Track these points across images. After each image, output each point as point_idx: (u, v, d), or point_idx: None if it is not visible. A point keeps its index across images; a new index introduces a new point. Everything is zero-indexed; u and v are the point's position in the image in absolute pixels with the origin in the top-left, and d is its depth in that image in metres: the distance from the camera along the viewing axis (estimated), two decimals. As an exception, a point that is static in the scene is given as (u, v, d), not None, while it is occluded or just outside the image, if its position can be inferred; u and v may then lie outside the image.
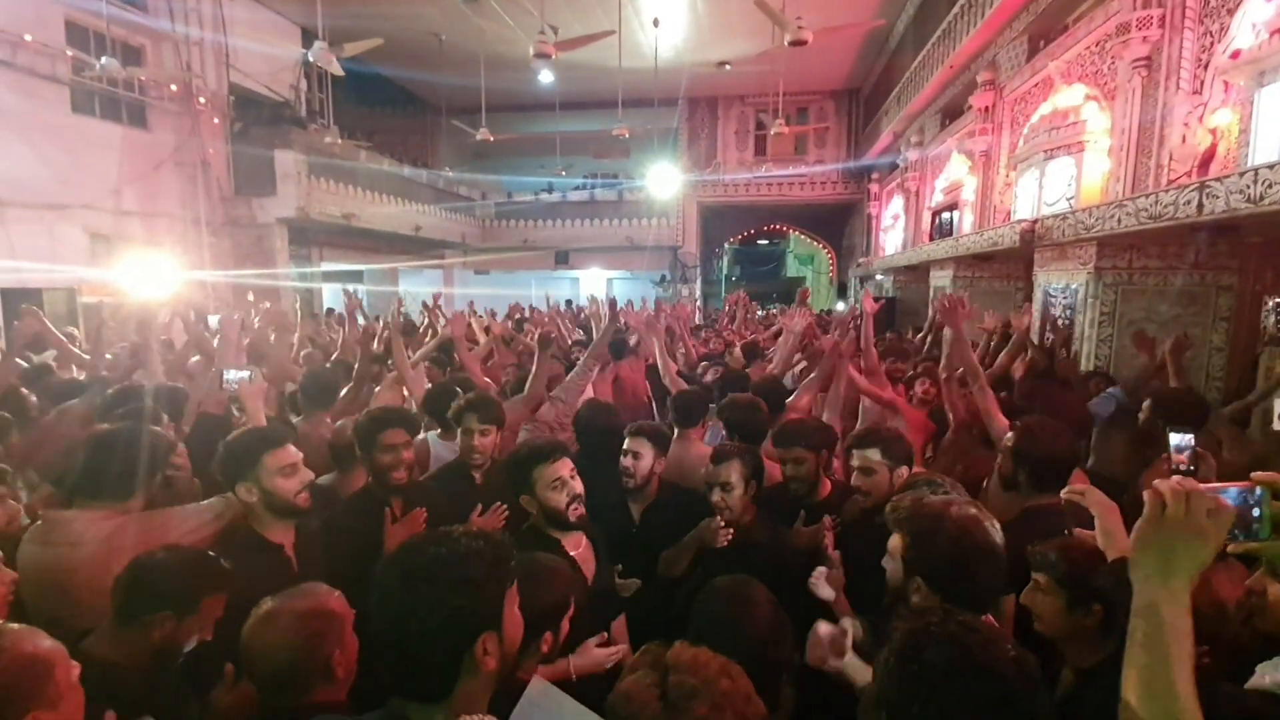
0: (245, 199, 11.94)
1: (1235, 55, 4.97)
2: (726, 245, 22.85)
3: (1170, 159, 5.54)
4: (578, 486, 2.19)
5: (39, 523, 1.93)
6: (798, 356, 4.81)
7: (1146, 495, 1.00)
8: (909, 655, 1.02)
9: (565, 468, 2.18)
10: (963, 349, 3.21)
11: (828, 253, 22.13)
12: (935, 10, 10.89)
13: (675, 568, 2.40)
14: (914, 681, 0.99)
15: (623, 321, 4.75)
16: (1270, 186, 3.12)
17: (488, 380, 4.11)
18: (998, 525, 1.63)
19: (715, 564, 2.12)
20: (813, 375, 3.93)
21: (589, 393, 3.83)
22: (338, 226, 13.03)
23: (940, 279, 8.90)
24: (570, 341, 6.37)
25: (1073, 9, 7.40)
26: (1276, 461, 2.49)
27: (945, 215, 11.88)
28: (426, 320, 7.18)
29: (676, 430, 3.22)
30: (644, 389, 4.99)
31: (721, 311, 13.04)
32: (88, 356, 4.66)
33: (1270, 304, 4.46)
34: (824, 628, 1.70)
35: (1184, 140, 5.43)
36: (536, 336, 3.64)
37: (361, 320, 5.58)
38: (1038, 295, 5.86)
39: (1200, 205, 3.56)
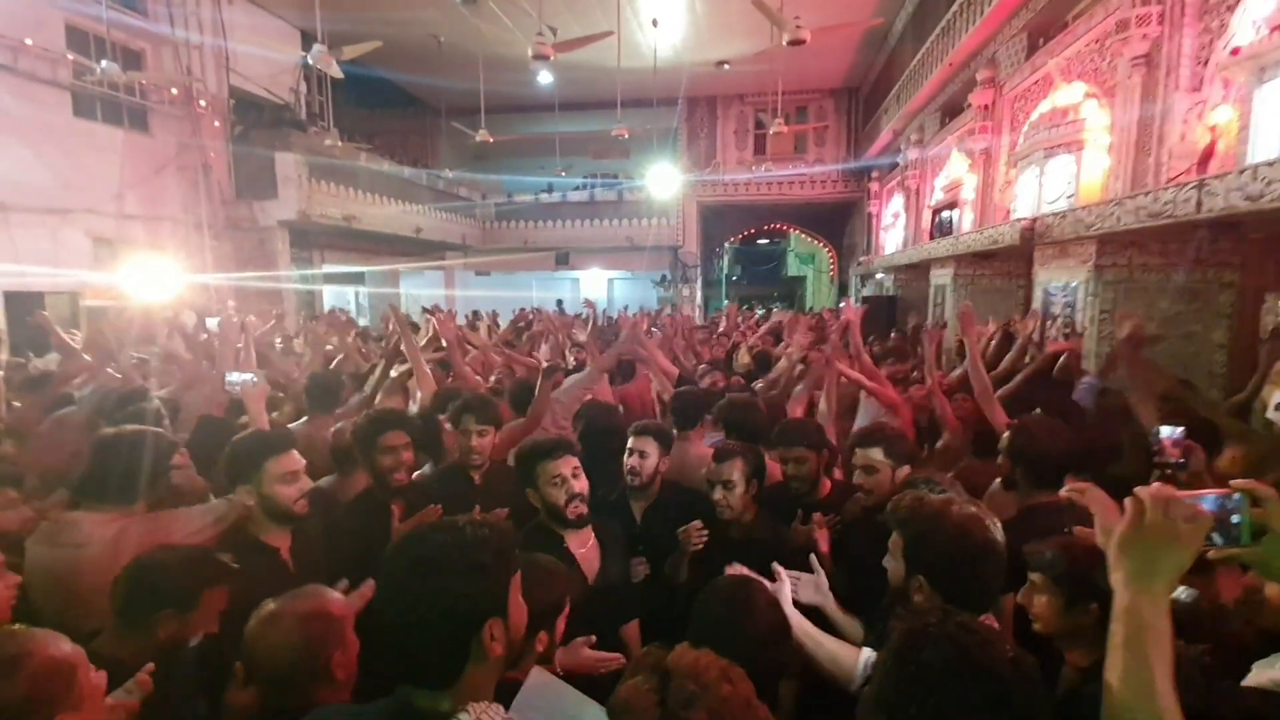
0: (246, 202, 11.97)
1: (1235, 52, 4.97)
2: (727, 245, 22.83)
3: (1170, 156, 5.54)
4: (578, 486, 2.20)
5: (45, 524, 1.94)
6: (799, 369, 4.84)
7: (1127, 501, 1.02)
8: (907, 656, 1.02)
9: (567, 465, 2.20)
10: (975, 365, 3.24)
11: (828, 251, 22.12)
12: (934, 8, 10.88)
13: (678, 575, 2.42)
14: (912, 682, 0.99)
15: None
16: (1270, 184, 3.12)
17: (479, 380, 4.13)
18: (998, 523, 1.63)
19: (717, 563, 2.13)
20: (801, 385, 3.97)
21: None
22: (339, 229, 13.06)
23: (941, 277, 8.89)
24: (570, 343, 6.36)
25: (1072, 6, 7.40)
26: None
27: (945, 213, 11.87)
28: (429, 329, 7.17)
29: (676, 431, 3.23)
30: (651, 404, 4.98)
31: (716, 316, 13.16)
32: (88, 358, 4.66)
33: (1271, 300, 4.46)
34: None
35: (1183, 137, 5.43)
36: (542, 368, 3.58)
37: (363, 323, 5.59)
38: (1038, 293, 5.85)
39: (1199, 203, 3.56)
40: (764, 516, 2.52)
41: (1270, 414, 3.07)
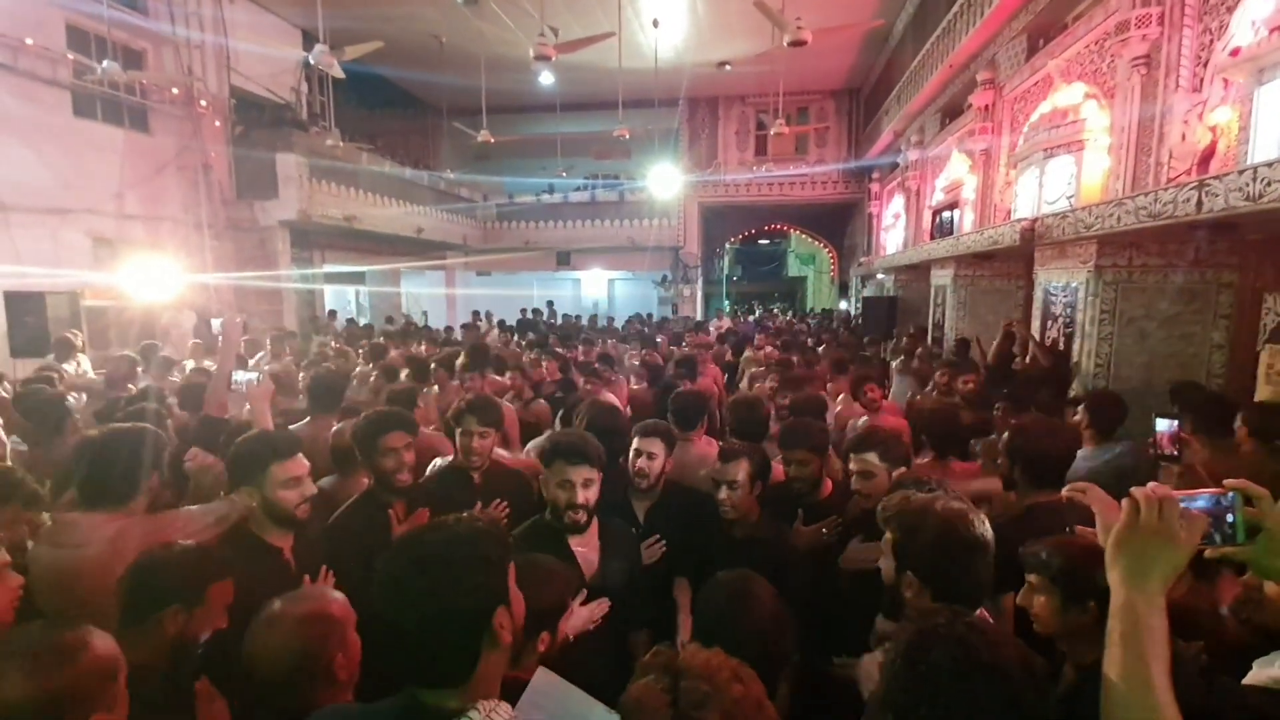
0: (247, 202, 11.96)
1: (1235, 53, 4.97)
2: (728, 245, 22.85)
3: (1170, 157, 5.54)
4: (582, 496, 2.17)
5: (47, 526, 1.94)
6: (771, 380, 4.87)
7: (1123, 501, 1.04)
8: (916, 656, 1.03)
9: (579, 474, 2.18)
10: None
11: (829, 252, 22.13)
12: (934, 9, 10.89)
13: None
14: (921, 682, 1.00)
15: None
16: (1269, 185, 3.12)
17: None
18: (986, 520, 1.64)
19: (720, 563, 2.13)
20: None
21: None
22: (339, 229, 13.05)
23: (941, 278, 8.90)
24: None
25: (1072, 7, 7.40)
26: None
27: (946, 214, 11.89)
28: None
29: (678, 431, 3.23)
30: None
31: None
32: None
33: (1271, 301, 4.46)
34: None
35: (1184, 138, 5.43)
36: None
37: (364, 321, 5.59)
38: (1038, 294, 5.86)
39: (1199, 203, 3.56)
40: (766, 517, 2.53)
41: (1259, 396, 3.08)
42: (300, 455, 2.18)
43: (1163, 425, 2.35)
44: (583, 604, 1.86)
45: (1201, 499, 1.05)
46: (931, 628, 1.06)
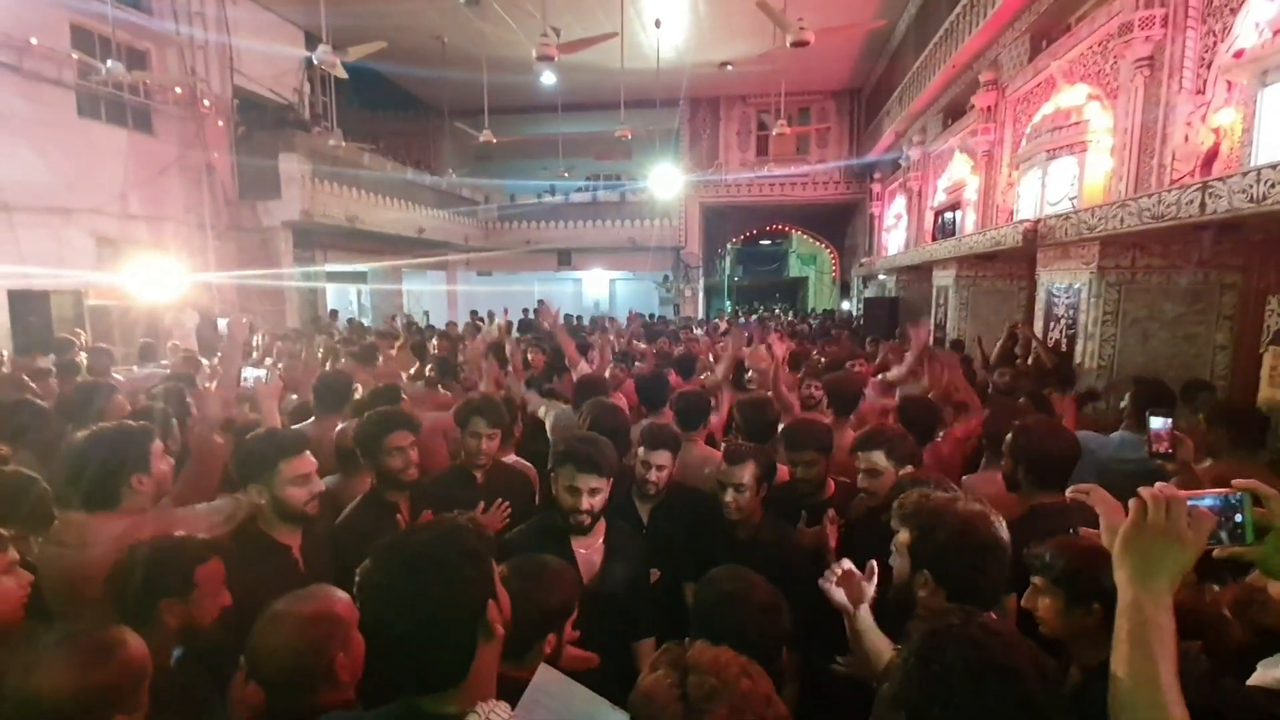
0: (249, 202, 11.98)
1: (1238, 55, 4.97)
2: (729, 246, 22.86)
3: (1173, 158, 5.54)
4: (586, 503, 2.17)
5: (55, 524, 1.95)
6: (750, 375, 4.87)
7: (1131, 501, 1.04)
8: (929, 656, 1.03)
9: (586, 482, 2.17)
10: None
11: (830, 253, 22.12)
12: (937, 10, 10.89)
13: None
14: (935, 682, 1.00)
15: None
16: (1273, 186, 3.13)
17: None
18: (1003, 520, 1.64)
19: (724, 565, 2.13)
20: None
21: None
22: (341, 229, 13.07)
23: (943, 279, 8.91)
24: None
25: (1075, 9, 7.40)
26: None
27: (948, 215, 11.89)
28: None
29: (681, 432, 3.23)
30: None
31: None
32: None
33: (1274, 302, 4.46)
34: (847, 564, 1.74)
35: (1187, 139, 5.43)
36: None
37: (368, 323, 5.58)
38: (1040, 295, 5.87)
39: (1203, 205, 3.57)
40: (770, 518, 2.52)
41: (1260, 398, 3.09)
42: (308, 453, 2.19)
43: (1157, 423, 2.36)
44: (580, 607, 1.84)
45: (1209, 498, 1.05)
46: (945, 627, 1.07)
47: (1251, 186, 3.25)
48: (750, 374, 4.77)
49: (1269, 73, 4.70)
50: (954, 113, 11.45)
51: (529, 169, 21.46)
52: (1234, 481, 1.05)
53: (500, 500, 2.57)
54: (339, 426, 3.06)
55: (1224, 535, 1.05)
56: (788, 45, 8.51)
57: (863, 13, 12.65)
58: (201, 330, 9.60)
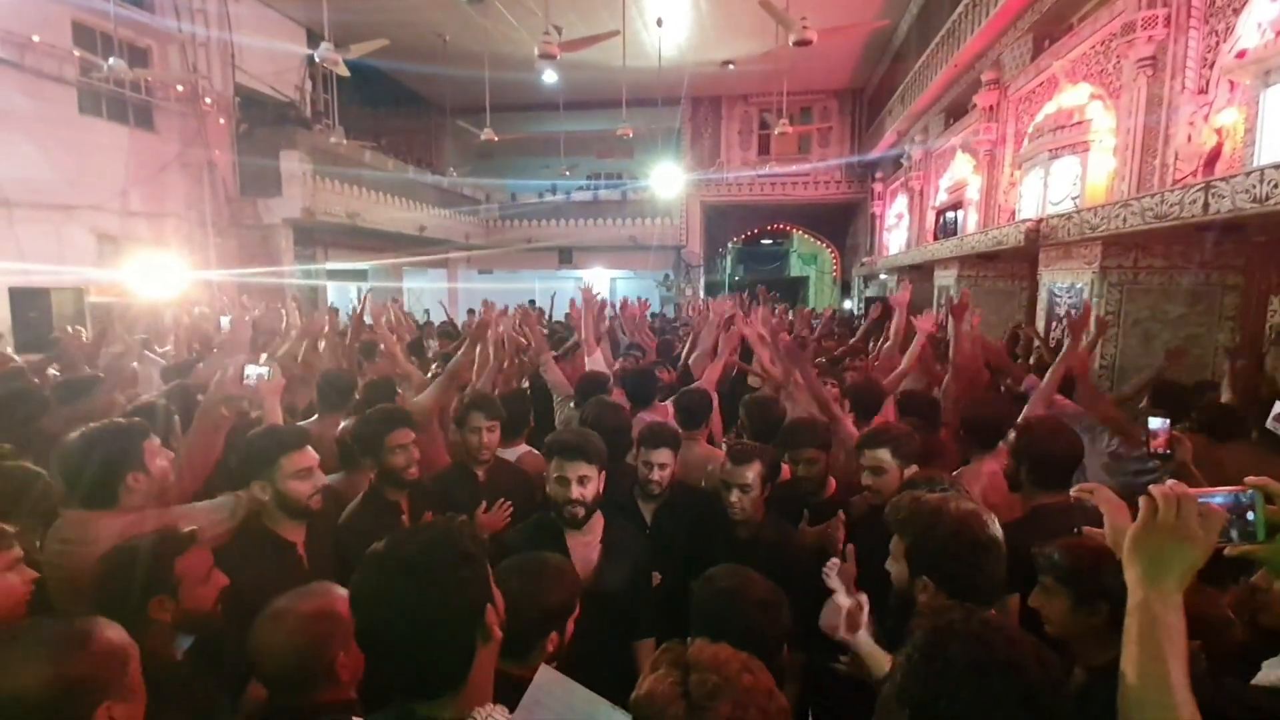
0: (251, 200, 11.97)
1: (1241, 55, 4.97)
2: (730, 244, 22.84)
3: (1175, 158, 5.54)
4: (576, 492, 2.17)
5: (59, 521, 1.95)
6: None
7: (1141, 499, 1.03)
8: (932, 652, 1.03)
9: (574, 470, 2.18)
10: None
11: (831, 252, 22.11)
12: (939, 9, 10.88)
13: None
14: (938, 678, 1.00)
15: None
16: (1276, 186, 3.13)
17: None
18: (995, 519, 1.64)
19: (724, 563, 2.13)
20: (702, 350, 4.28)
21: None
22: (342, 226, 13.07)
23: (945, 278, 8.91)
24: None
25: (1077, 8, 7.39)
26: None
27: (949, 214, 11.88)
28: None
29: (682, 431, 3.23)
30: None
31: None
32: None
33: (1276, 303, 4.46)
34: (843, 598, 1.73)
35: (1189, 140, 5.43)
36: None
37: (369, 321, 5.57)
38: (1042, 295, 5.87)
39: (1206, 205, 3.57)
40: (772, 517, 2.51)
41: (1270, 424, 3.08)
42: (309, 447, 2.19)
43: (1156, 424, 2.37)
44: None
45: (1220, 496, 1.04)
46: (947, 624, 1.07)
47: (1255, 186, 3.25)
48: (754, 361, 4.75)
49: (1271, 73, 4.69)
50: (956, 112, 11.44)
51: (530, 167, 21.44)
52: (1246, 479, 1.05)
53: (502, 501, 2.57)
54: (344, 424, 3.06)
55: (1235, 533, 1.04)
56: (790, 44, 8.49)
57: (865, 12, 12.64)
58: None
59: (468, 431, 2.81)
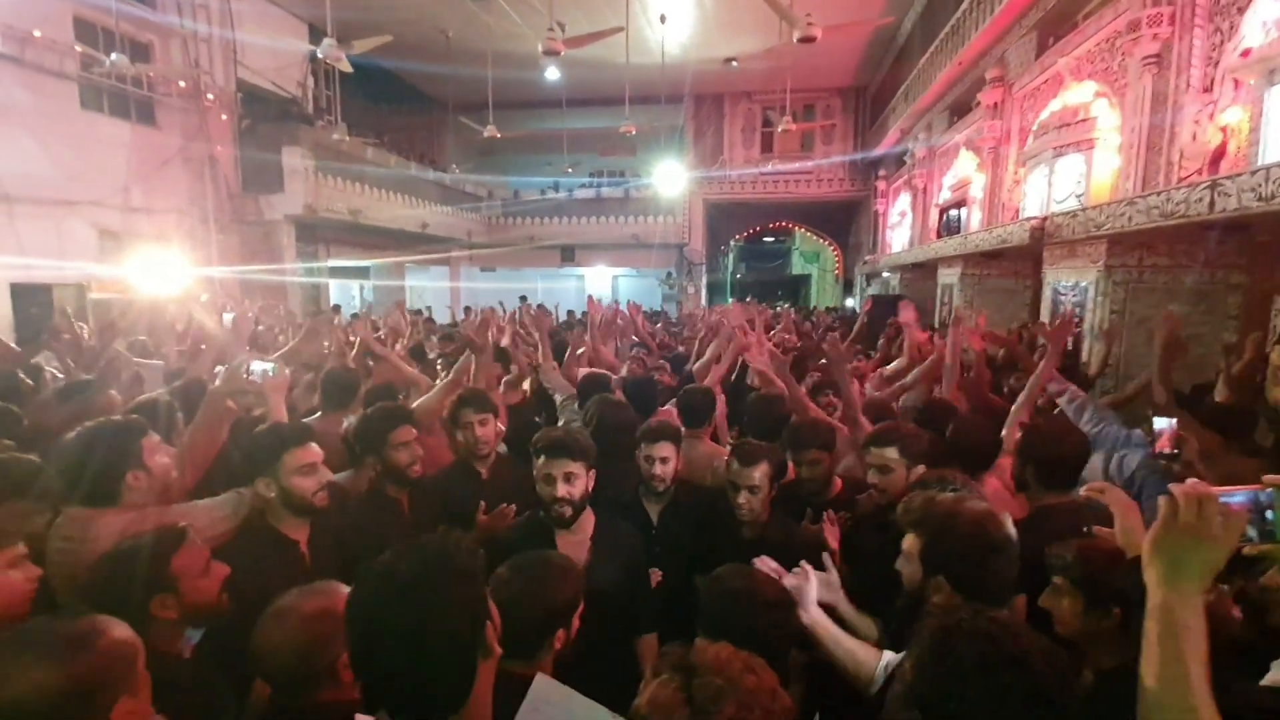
0: (253, 196, 11.97)
1: (1246, 53, 4.95)
2: (732, 242, 22.82)
3: (1181, 157, 5.52)
4: (562, 490, 2.15)
5: (62, 519, 1.94)
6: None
7: (1161, 499, 1.02)
8: (941, 651, 1.03)
9: (559, 468, 2.15)
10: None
11: (834, 250, 22.08)
12: (943, 7, 10.84)
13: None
14: (947, 676, 1.00)
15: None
16: (1283, 185, 3.12)
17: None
18: (1009, 518, 1.63)
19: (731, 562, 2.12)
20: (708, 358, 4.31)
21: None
22: (345, 223, 13.06)
23: (948, 276, 8.89)
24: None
25: (1082, 6, 7.36)
26: None
27: (953, 212, 11.85)
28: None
29: (685, 430, 3.21)
30: None
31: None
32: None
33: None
34: (789, 579, 1.78)
35: (1194, 138, 5.41)
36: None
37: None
38: (1046, 293, 5.86)
39: (1212, 203, 3.55)
40: (777, 516, 2.50)
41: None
42: (313, 443, 2.18)
43: (1161, 424, 2.37)
44: None
45: (1239, 495, 1.03)
46: (956, 622, 1.06)
47: (1260, 185, 3.24)
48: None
49: (1276, 72, 4.67)
50: (960, 110, 11.42)
51: (533, 164, 21.42)
52: (1265, 478, 1.04)
53: (505, 505, 2.54)
54: (348, 421, 3.06)
55: (1254, 533, 1.03)
56: (794, 41, 8.45)
57: (869, 9, 12.62)
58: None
59: (461, 428, 2.79)
